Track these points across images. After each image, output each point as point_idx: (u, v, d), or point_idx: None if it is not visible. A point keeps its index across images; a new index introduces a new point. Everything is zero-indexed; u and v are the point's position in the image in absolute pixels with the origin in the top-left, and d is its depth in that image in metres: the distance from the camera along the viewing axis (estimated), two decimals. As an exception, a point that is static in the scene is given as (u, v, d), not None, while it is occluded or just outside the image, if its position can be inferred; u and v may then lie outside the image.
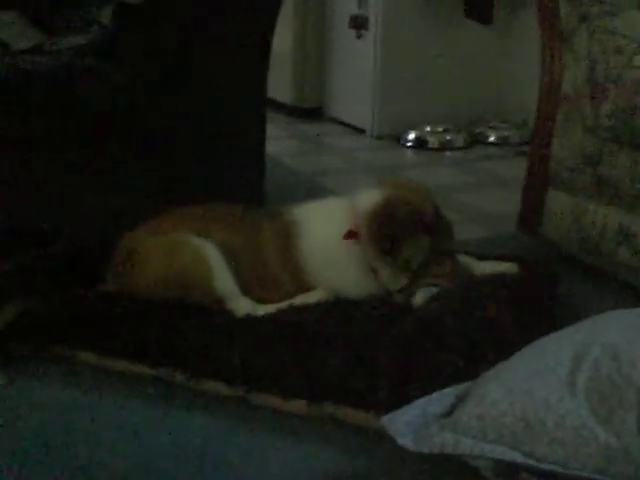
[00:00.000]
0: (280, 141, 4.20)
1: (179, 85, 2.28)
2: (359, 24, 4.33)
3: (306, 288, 1.84)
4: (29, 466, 1.41)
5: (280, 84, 4.63)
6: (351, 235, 1.82)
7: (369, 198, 1.84)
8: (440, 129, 4.22)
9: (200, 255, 1.80)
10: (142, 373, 1.68)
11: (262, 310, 1.79)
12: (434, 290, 1.80)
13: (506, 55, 4.42)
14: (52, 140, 2.18)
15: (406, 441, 1.29)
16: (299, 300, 1.81)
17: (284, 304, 1.80)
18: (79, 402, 1.62)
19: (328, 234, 1.84)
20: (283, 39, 4.48)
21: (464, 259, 1.97)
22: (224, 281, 1.81)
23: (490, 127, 4.31)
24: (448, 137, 4.18)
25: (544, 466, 1.21)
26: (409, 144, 4.18)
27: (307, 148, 4.28)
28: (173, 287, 1.79)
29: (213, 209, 1.95)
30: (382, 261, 1.80)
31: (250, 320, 1.74)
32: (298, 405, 1.55)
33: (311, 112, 4.86)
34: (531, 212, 2.38)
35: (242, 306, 1.80)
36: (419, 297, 1.80)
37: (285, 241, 1.85)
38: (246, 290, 1.84)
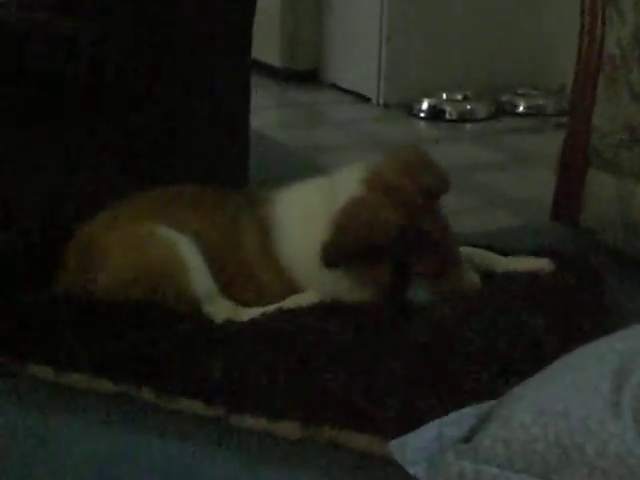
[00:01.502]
0: (267, 111, 4.21)
1: (149, 46, 2.28)
2: (362, -30, 4.34)
3: (295, 290, 1.85)
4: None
5: (267, 42, 4.63)
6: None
7: (347, 186, 1.83)
8: (459, 97, 4.23)
9: (172, 250, 1.81)
10: (104, 390, 1.68)
11: (245, 315, 1.80)
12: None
13: (538, 8, 4.42)
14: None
15: (418, 470, 1.30)
16: (288, 303, 1.82)
17: (271, 308, 1.81)
18: (29, 425, 1.62)
19: (309, 232, 1.83)
20: (271, -12, 4.48)
21: (486, 255, 1.98)
22: (201, 280, 1.82)
23: (519, 94, 4.32)
24: (468, 106, 4.19)
25: (582, 500, 1.22)
26: (422, 115, 4.19)
27: (300, 119, 4.29)
28: (139, 289, 1.79)
29: (185, 193, 1.95)
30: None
31: (232, 327, 1.74)
32: (289, 428, 1.55)
33: (305, 76, 4.86)
34: (568, 197, 2.39)
35: (222, 310, 1.81)
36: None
37: (265, 239, 1.86)
38: (225, 292, 1.85)
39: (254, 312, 1.81)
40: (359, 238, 1.77)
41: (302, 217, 1.88)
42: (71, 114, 2.23)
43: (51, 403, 1.67)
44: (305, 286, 1.85)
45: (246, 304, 1.84)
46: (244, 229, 1.88)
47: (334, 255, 1.78)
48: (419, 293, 1.84)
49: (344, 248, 1.78)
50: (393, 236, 1.77)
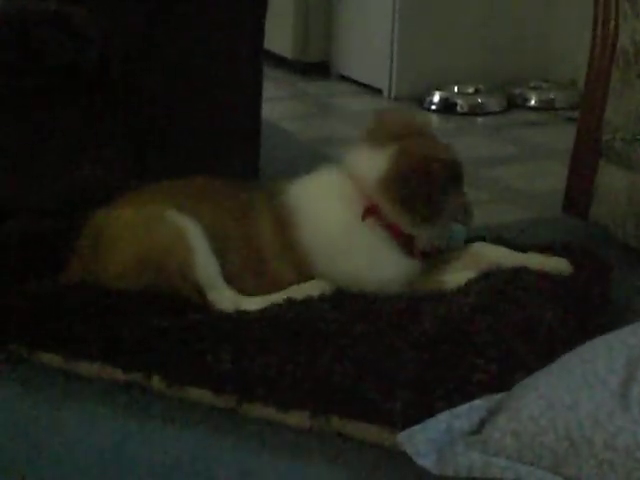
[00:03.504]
0: (279, 102, 4.20)
1: (159, 35, 2.28)
2: (375, -38, 4.33)
3: (307, 278, 1.86)
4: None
5: (279, 34, 4.62)
6: (370, 212, 1.84)
7: (369, 161, 1.87)
8: (471, 90, 4.21)
9: (180, 233, 1.82)
10: (114, 378, 1.69)
11: (248, 304, 1.80)
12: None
13: (552, 1, 4.41)
14: (3, 99, 2.19)
15: (427, 462, 1.30)
16: (293, 292, 1.83)
17: (275, 297, 1.83)
18: (40, 412, 1.63)
19: (335, 218, 1.87)
20: (283, -21, 4.47)
21: (498, 250, 1.98)
22: (206, 266, 1.83)
23: (531, 88, 4.30)
24: (480, 99, 4.17)
25: (591, 493, 1.22)
26: (433, 107, 4.17)
27: (311, 111, 4.28)
28: (147, 271, 1.81)
29: (197, 184, 1.96)
30: (419, 227, 1.85)
31: (242, 317, 1.75)
32: (299, 418, 1.56)
33: (316, 68, 4.85)
34: (580, 191, 2.39)
35: (225, 298, 1.82)
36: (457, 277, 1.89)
37: (284, 227, 1.87)
38: (236, 281, 1.86)
39: (257, 301, 1.82)
40: (438, 177, 1.81)
41: (329, 205, 1.89)
42: (81, 103, 2.23)
43: (60, 391, 1.68)
44: (322, 271, 1.86)
45: (256, 291, 1.85)
46: (258, 219, 1.89)
47: (425, 206, 1.81)
48: (459, 230, 1.95)
49: (431, 193, 1.81)
50: (449, 168, 1.85)
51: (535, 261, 1.94)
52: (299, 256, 1.86)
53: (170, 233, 1.82)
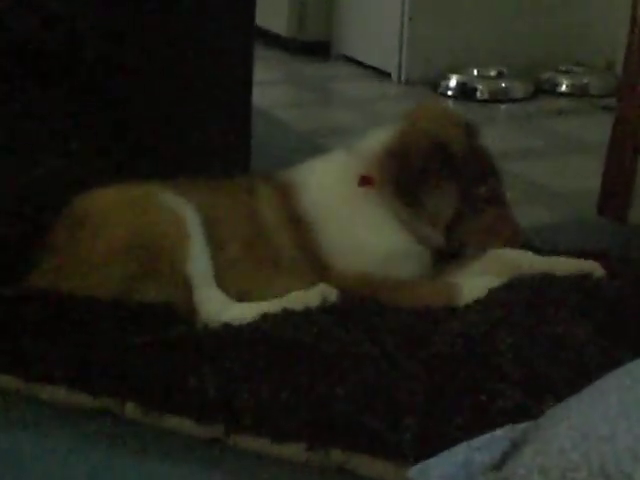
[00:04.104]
0: (272, 87, 4.21)
1: (135, 13, 2.29)
2: None
3: (320, 263, 1.92)
4: None
5: (273, 9, 4.63)
6: (366, 181, 1.94)
7: (378, 136, 2.00)
8: (492, 73, 4.23)
9: (177, 218, 1.86)
10: (83, 405, 1.69)
11: (239, 309, 1.82)
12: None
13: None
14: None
15: (442, 501, 1.30)
16: (292, 301, 1.84)
17: (271, 305, 1.84)
18: (-4, 443, 1.63)
19: (335, 184, 1.99)
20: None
21: (522, 254, 1.99)
22: (200, 259, 1.85)
23: (562, 72, 4.32)
24: (503, 84, 4.19)
25: (629, 537, 1.22)
26: (450, 93, 4.19)
27: (309, 97, 4.29)
28: (134, 259, 1.83)
29: (191, 180, 2.02)
30: (410, 213, 1.93)
31: (230, 333, 1.75)
32: (294, 450, 1.56)
33: (315, 47, 4.87)
34: (617, 190, 2.39)
35: (213, 299, 1.83)
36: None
37: (286, 203, 1.96)
38: (236, 272, 1.90)
39: (249, 307, 1.83)
40: (424, 160, 1.90)
41: (328, 173, 2.02)
42: (57, 94, 2.24)
43: (19, 418, 1.68)
44: (326, 247, 1.92)
45: (259, 281, 1.90)
46: (261, 201, 1.97)
47: (406, 189, 1.90)
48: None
49: (412, 176, 1.90)
50: (462, 146, 1.93)
51: (564, 267, 1.96)
52: (303, 234, 1.93)
53: (165, 216, 1.86)
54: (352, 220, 1.96)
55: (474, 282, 1.91)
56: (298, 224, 1.94)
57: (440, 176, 1.91)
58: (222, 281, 1.88)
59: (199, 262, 1.85)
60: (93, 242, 1.85)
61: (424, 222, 1.94)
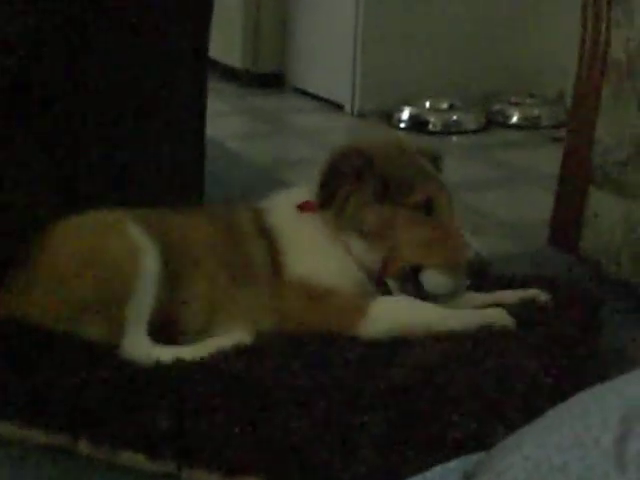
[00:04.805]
0: (226, 119, 4.21)
1: (87, 40, 2.28)
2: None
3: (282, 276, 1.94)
4: None
5: (227, 42, 4.64)
6: (305, 206, 1.99)
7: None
8: (444, 106, 4.25)
9: (135, 251, 1.83)
10: (35, 441, 1.67)
11: (166, 354, 1.80)
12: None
13: (536, 6, 4.46)
14: None
15: (395, 534, 1.30)
16: (209, 346, 1.83)
17: (191, 349, 1.82)
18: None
19: (289, 212, 2.01)
20: (231, -21, 4.49)
21: (470, 294, 2.01)
22: (143, 300, 1.83)
23: (512, 103, 4.35)
24: (455, 117, 4.21)
25: None
26: (402, 125, 4.21)
27: (263, 129, 4.29)
28: (83, 284, 1.81)
29: (153, 211, 2.02)
30: (343, 229, 1.95)
31: (182, 367, 1.74)
32: (249, 485, 1.55)
33: (269, 80, 4.88)
34: (567, 220, 2.40)
35: (140, 345, 1.81)
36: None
37: (258, 227, 2.00)
38: (218, 310, 1.91)
39: (177, 351, 1.81)
40: (339, 165, 1.95)
41: (286, 201, 2.05)
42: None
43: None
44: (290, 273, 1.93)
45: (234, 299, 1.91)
46: (241, 230, 2.01)
47: (324, 191, 1.95)
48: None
49: (330, 179, 1.95)
50: (380, 153, 1.98)
51: (509, 298, 2.00)
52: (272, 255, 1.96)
53: (125, 246, 1.84)
54: (300, 246, 1.97)
55: (390, 302, 1.91)
56: (268, 246, 1.97)
57: (358, 178, 1.94)
58: (185, 313, 1.90)
59: (139, 303, 1.82)
60: (48, 264, 1.85)
61: (355, 237, 1.95)
